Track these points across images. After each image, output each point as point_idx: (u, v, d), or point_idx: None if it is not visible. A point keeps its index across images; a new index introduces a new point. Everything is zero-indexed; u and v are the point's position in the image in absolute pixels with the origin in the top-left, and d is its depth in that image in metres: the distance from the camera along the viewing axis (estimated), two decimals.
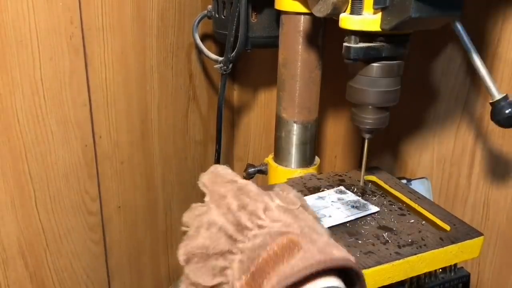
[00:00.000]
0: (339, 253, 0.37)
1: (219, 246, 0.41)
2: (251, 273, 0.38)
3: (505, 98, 0.57)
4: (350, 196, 0.63)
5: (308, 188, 0.67)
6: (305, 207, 0.43)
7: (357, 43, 0.52)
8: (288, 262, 0.36)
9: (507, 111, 0.56)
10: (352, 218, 0.58)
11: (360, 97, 0.56)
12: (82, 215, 0.71)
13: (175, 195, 0.93)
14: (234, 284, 0.39)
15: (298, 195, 0.44)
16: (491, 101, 0.58)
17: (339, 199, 0.63)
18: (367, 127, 0.58)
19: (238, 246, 0.40)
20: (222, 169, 0.46)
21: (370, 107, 0.57)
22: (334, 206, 0.61)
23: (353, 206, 0.60)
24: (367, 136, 0.60)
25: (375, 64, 0.54)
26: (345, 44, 0.52)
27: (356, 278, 0.38)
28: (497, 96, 0.57)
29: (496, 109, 0.57)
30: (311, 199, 0.62)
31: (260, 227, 0.40)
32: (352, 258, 0.38)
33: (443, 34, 0.79)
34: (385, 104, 0.57)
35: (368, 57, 0.53)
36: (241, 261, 0.39)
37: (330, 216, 0.58)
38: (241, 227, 0.40)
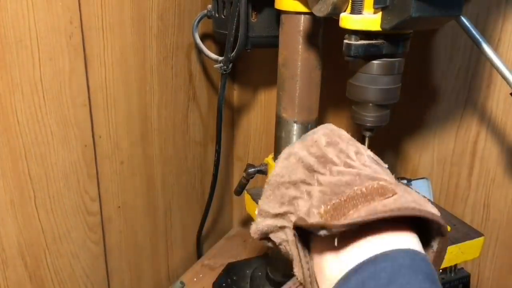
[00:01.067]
0: (432, 209, 0.34)
1: (294, 175, 0.37)
2: (333, 204, 0.34)
3: None
4: None
5: None
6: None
7: (357, 40, 0.52)
8: (379, 201, 0.33)
9: None
10: None
11: (361, 94, 0.56)
12: (81, 215, 0.71)
13: (175, 195, 0.92)
14: (310, 210, 0.34)
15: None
16: (511, 92, 0.57)
17: None
18: (368, 125, 0.58)
19: (318, 178, 0.36)
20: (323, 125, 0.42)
21: (370, 104, 0.57)
22: None
23: None
24: (367, 134, 0.60)
25: (375, 62, 0.54)
26: (345, 41, 0.52)
27: (440, 234, 0.35)
28: None
29: None
30: None
31: (348, 165, 0.36)
32: (442, 221, 0.34)
33: (443, 34, 0.79)
34: (386, 101, 0.56)
35: (368, 54, 0.53)
36: (322, 191, 0.35)
37: None
38: (325, 161, 0.36)
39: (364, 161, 0.37)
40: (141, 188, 0.83)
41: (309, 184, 0.36)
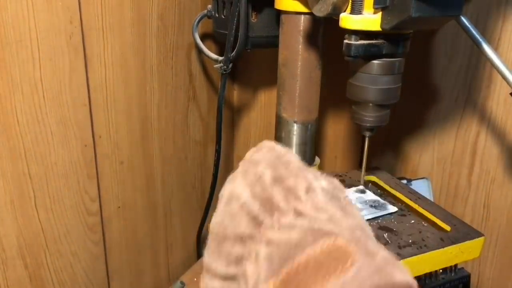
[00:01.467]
0: (401, 276, 0.28)
1: (239, 227, 0.31)
2: (282, 278, 0.28)
3: None
4: (370, 196, 0.63)
5: None
6: (347, 198, 0.34)
7: (357, 40, 0.52)
8: (337, 279, 0.27)
9: None
10: (370, 217, 0.58)
11: (361, 94, 0.56)
12: (81, 215, 0.71)
13: (175, 195, 0.92)
14: (258, 285, 0.29)
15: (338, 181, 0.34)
16: (511, 92, 0.58)
17: (358, 198, 0.62)
18: (368, 125, 0.58)
19: (265, 233, 0.30)
20: (265, 141, 0.37)
21: (370, 104, 0.57)
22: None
23: (371, 206, 0.60)
24: (367, 134, 0.60)
25: (375, 61, 0.54)
26: (345, 41, 0.52)
27: None
28: None
29: None
30: None
31: (298, 213, 0.30)
32: (415, 284, 0.29)
33: (443, 34, 0.79)
34: (386, 101, 0.57)
35: (369, 54, 0.53)
36: (269, 258, 0.29)
37: None
38: (271, 207, 0.31)
39: (317, 201, 0.31)
40: (141, 188, 0.83)
41: (255, 240, 0.31)
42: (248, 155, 0.36)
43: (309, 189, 0.31)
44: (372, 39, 0.53)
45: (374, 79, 0.55)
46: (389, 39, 0.53)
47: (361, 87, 0.56)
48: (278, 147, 0.35)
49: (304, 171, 0.33)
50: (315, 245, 0.28)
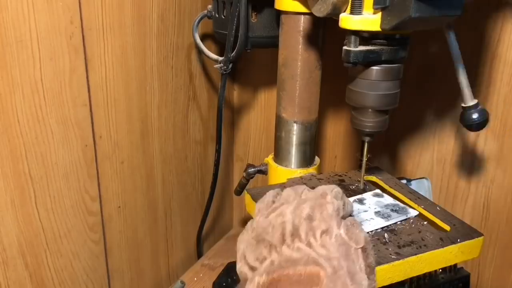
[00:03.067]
0: None
1: (273, 237, 0.43)
2: (272, 278, 0.40)
3: (476, 105, 0.61)
4: (388, 199, 0.63)
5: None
6: (366, 251, 0.44)
7: (356, 47, 0.52)
8: None
9: (474, 117, 0.61)
10: (393, 221, 0.58)
11: (360, 100, 0.56)
12: (82, 215, 0.71)
13: (175, 195, 0.93)
14: (254, 276, 0.42)
15: (367, 238, 0.44)
16: (463, 105, 0.61)
17: (377, 202, 0.62)
18: (367, 130, 0.58)
19: (282, 248, 0.42)
20: (329, 187, 0.47)
21: (369, 110, 0.57)
22: (374, 210, 0.60)
23: (392, 210, 0.60)
24: (366, 139, 0.60)
25: (374, 68, 0.54)
26: (344, 47, 0.52)
27: None
28: (470, 102, 0.61)
29: (466, 114, 0.61)
30: None
31: (309, 244, 0.42)
32: None
33: (443, 34, 0.79)
34: (385, 107, 0.57)
35: (368, 60, 0.53)
36: (272, 262, 0.42)
37: (372, 219, 0.58)
38: (296, 233, 0.42)
39: (326, 242, 0.42)
40: (141, 188, 0.83)
41: (276, 251, 0.43)
42: (315, 190, 0.47)
43: (325, 232, 0.42)
44: (371, 44, 0.53)
45: (373, 85, 0.55)
46: (388, 44, 0.53)
47: (360, 93, 0.56)
48: (330, 196, 0.45)
49: (331, 220, 0.43)
50: (304, 267, 0.40)
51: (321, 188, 0.47)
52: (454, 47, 0.59)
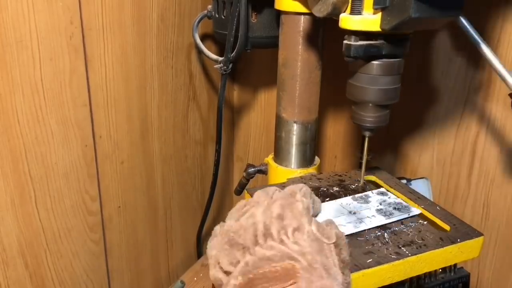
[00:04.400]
0: None
1: (246, 239, 0.43)
2: (248, 278, 0.41)
3: None
4: (392, 198, 0.63)
5: None
6: (339, 246, 0.44)
7: (357, 41, 0.52)
8: None
9: None
10: (394, 219, 0.58)
11: (360, 95, 0.56)
12: (82, 215, 0.71)
13: (175, 195, 0.93)
14: (230, 280, 0.42)
15: (339, 234, 0.45)
16: (510, 93, 0.58)
17: (381, 200, 0.62)
18: (367, 125, 0.58)
19: (255, 248, 0.42)
20: (296, 186, 0.48)
21: (370, 105, 0.57)
22: (376, 208, 0.60)
23: (395, 208, 0.60)
24: (367, 134, 0.59)
25: (375, 62, 0.54)
26: (345, 42, 0.52)
27: None
28: None
29: None
30: (351, 199, 0.62)
31: (281, 241, 0.42)
32: None
33: (443, 34, 0.79)
34: (385, 102, 0.56)
35: (368, 55, 0.53)
36: (247, 263, 0.42)
37: (373, 216, 0.58)
38: (268, 233, 0.43)
39: (298, 238, 0.42)
40: (141, 188, 0.83)
41: (249, 252, 0.43)
42: (283, 191, 0.48)
43: (297, 229, 0.43)
44: (372, 40, 0.53)
45: (374, 79, 0.55)
46: (389, 40, 0.53)
47: (360, 87, 0.56)
48: (300, 194, 0.46)
49: (302, 217, 0.44)
50: (280, 263, 0.40)
51: (290, 188, 0.47)
52: (471, 31, 0.56)
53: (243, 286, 0.41)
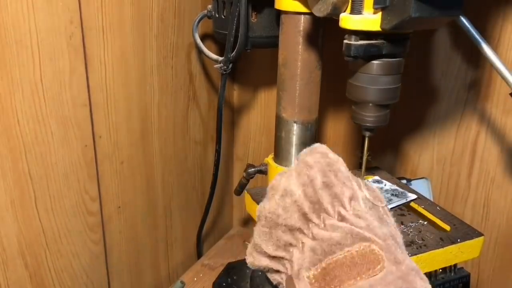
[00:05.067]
0: (422, 284, 0.34)
1: (291, 220, 0.37)
2: (322, 268, 0.35)
3: None
4: (388, 185, 0.63)
5: None
6: (386, 205, 0.39)
7: (357, 41, 0.52)
8: (367, 278, 0.33)
9: None
10: (394, 205, 0.58)
11: (361, 94, 0.56)
12: (82, 215, 0.71)
13: (175, 195, 0.93)
14: (300, 272, 0.36)
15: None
16: (511, 92, 0.58)
17: (378, 188, 0.62)
18: (368, 124, 0.58)
19: (312, 229, 0.36)
20: (319, 146, 0.41)
21: (370, 104, 0.57)
22: None
23: (393, 194, 0.60)
24: (367, 134, 0.60)
25: (375, 62, 0.54)
26: (345, 41, 0.52)
27: None
28: None
29: None
30: None
31: (342, 217, 0.36)
32: None
33: (443, 33, 0.79)
34: (386, 101, 0.57)
35: (369, 54, 0.53)
36: (313, 250, 0.36)
37: None
38: (319, 208, 0.36)
39: (359, 209, 0.37)
40: (141, 188, 0.83)
41: (303, 234, 0.37)
42: (302, 156, 0.40)
43: (352, 198, 0.37)
44: (372, 39, 0.53)
45: (374, 79, 0.55)
46: (389, 40, 0.53)
47: (361, 87, 0.56)
48: (331, 154, 0.39)
49: (350, 181, 0.38)
50: (353, 247, 0.34)
51: (315, 148, 0.40)
52: (472, 31, 0.56)
53: (320, 279, 0.34)
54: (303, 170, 0.38)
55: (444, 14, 0.48)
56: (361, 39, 0.52)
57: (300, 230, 0.37)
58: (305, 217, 0.37)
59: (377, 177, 0.65)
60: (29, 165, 0.61)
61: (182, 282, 0.90)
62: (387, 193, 0.60)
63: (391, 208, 0.57)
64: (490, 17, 0.73)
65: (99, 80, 0.69)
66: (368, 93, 0.55)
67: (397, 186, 0.62)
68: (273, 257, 0.39)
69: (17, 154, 0.60)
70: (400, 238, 0.37)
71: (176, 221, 0.95)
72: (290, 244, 0.38)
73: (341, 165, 0.38)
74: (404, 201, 0.59)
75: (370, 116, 0.57)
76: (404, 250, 0.37)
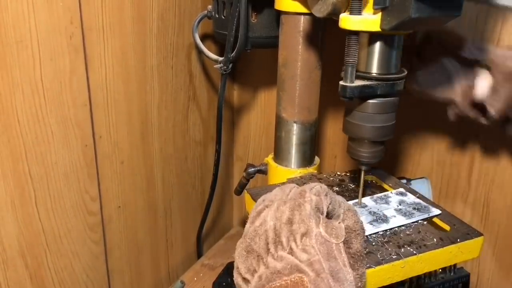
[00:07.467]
0: None
1: (259, 247, 0.44)
2: None
3: None
4: (411, 198, 0.63)
5: None
6: (348, 242, 0.44)
7: (352, 82, 0.53)
8: None
9: None
10: (414, 220, 0.58)
11: (357, 131, 0.58)
12: (82, 215, 0.71)
13: (175, 195, 0.93)
14: None
15: (354, 224, 0.45)
16: None
17: (400, 201, 0.63)
18: (364, 160, 0.59)
19: (268, 258, 0.43)
20: (309, 185, 0.47)
21: (366, 141, 0.58)
22: (395, 208, 0.61)
23: (415, 208, 0.61)
24: (363, 168, 0.61)
25: (370, 101, 0.55)
26: (341, 83, 0.53)
27: None
28: None
29: None
30: (369, 200, 0.63)
31: (291, 250, 0.42)
32: None
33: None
34: (381, 138, 0.58)
35: (364, 95, 0.54)
36: (260, 276, 0.42)
37: (394, 217, 0.59)
38: (278, 240, 0.43)
39: (307, 244, 0.42)
40: (141, 188, 0.83)
41: (263, 262, 0.43)
42: (292, 192, 0.47)
43: (305, 234, 0.42)
44: (367, 80, 0.54)
45: (370, 117, 0.56)
46: (384, 79, 0.54)
47: (357, 124, 0.57)
48: (309, 193, 0.45)
49: (309, 219, 0.43)
50: (290, 277, 0.40)
51: (303, 187, 0.46)
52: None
53: None
54: (281, 205, 0.45)
55: (444, 14, 0.48)
56: (357, 77, 0.53)
57: (261, 258, 0.43)
58: (267, 247, 0.43)
59: (401, 190, 0.65)
60: (29, 165, 0.61)
61: (182, 282, 0.90)
62: (409, 207, 0.61)
63: (411, 223, 0.58)
64: (490, 17, 0.73)
65: (99, 80, 0.69)
66: (364, 131, 0.57)
67: (421, 200, 0.63)
68: (244, 279, 0.44)
69: (17, 154, 0.60)
70: (346, 274, 0.42)
71: (176, 221, 0.95)
72: (254, 271, 0.44)
73: (308, 204, 0.44)
74: (426, 215, 0.59)
75: (366, 152, 0.59)
76: (348, 286, 0.41)
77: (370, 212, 0.59)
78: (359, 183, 0.61)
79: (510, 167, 0.79)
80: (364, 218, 0.58)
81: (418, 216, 0.59)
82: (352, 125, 0.58)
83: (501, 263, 0.84)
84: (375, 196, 0.64)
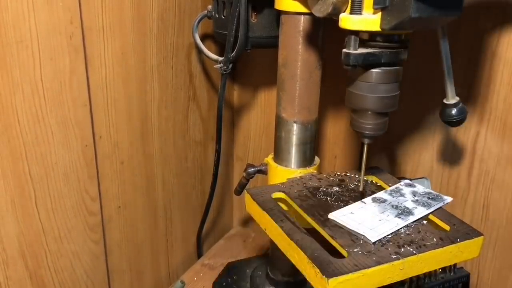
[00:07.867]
0: None
1: None
2: None
3: (457, 103, 0.61)
4: (421, 188, 0.63)
5: (308, 188, 0.67)
6: None
7: (356, 49, 0.52)
8: None
9: (453, 113, 0.61)
10: (433, 209, 0.58)
11: (360, 102, 0.57)
12: (82, 215, 0.71)
13: (175, 195, 0.93)
14: None
15: None
16: (445, 101, 0.61)
17: (413, 192, 0.63)
18: (367, 132, 0.58)
19: None
20: None
21: (369, 112, 0.57)
22: (412, 199, 0.61)
23: (429, 198, 0.61)
24: (366, 141, 0.60)
25: (374, 70, 0.54)
26: (344, 50, 0.53)
27: None
28: (452, 100, 0.61)
29: (447, 111, 0.62)
30: (385, 194, 0.63)
31: None
32: None
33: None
34: (384, 109, 0.57)
35: (367, 63, 0.53)
36: None
37: (415, 208, 0.59)
38: None
39: None
40: (141, 188, 0.83)
41: None
42: None
43: None
44: (371, 48, 0.53)
45: (373, 87, 0.55)
46: (388, 46, 0.53)
47: (360, 95, 0.56)
48: None
49: None
50: None
51: None
52: (446, 56, 0.60)
53: None
54: None
55: (444, 14, 0.48)
56: (360, 46, 0.52)
57: None
58: None
59: (407, 181, 0.66)
60: (29, 165, 0.61)
61: (182, 282, 0.90)
62: (424, 197, 0.61)
63: (432, 211, 0.58)
64: (490, 17, 0.73)
65: (99, 80, 0.69)
66: (367, 101, 0.56)
67: (430, 189, 0.63)
68: None
69: (17, 154, 0.60)
70: None
71: (176, 221, 0.95)
72: None
73: None
74: (441, 203, 0.60)
75: (369, 124, 0.58)
76: None
77: (392, 206, 0.59)
78: (362, 157, 0.61)
79: (510, 167, 0.79)
80: (390, 212, 0.58)
81: (436, 206, 0.59)
82: (355, 95, 0.56)
83: (501, 263, 0.84)
84: (389, 190, 0.64)
